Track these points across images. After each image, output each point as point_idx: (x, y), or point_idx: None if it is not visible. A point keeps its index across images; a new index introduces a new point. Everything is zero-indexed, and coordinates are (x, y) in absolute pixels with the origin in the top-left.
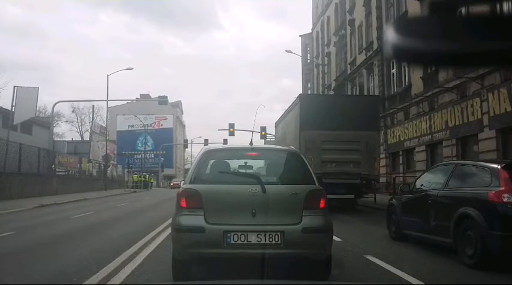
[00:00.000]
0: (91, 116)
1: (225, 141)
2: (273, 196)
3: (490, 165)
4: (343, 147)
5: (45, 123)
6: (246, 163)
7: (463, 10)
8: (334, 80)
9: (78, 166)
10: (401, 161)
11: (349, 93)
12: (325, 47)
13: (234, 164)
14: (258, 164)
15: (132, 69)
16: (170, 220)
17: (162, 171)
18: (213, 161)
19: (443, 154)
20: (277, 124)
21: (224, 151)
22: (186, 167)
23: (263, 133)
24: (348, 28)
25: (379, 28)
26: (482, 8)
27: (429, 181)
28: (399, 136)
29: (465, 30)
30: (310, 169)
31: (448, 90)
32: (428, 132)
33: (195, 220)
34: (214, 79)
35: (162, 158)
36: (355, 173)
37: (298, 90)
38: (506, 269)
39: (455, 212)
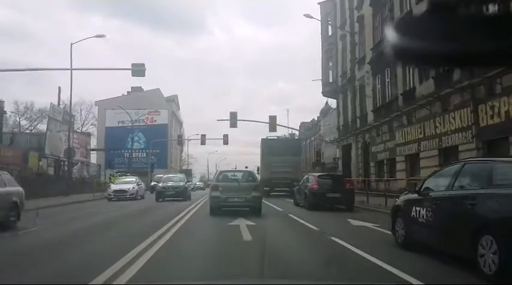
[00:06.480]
0: (82, 114)
1: (225, 136)
2: (242, 186)
3: (315, 174)
4: (283, 164)
5: None
6: (234, 174)
7: (464, 10)
8: (371, 49)
9: (27, 163)
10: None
11: (389, 72)
12: (356, 11)
13: (230, 174)
14: (238, 175)
15: (103, 36)
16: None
17: (152, 172)
18: (222, 174)
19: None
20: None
21: (226, 171)
22: (184, 168)
23: (273, 123)
24: None
25: None
26: (482, 8)
27: (302, 180)
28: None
29: (466, 30)
30: (257, 177)
31: None
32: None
33: (217, 193)
34: (210, 81)
35: (153, 157)
36: (288, 177)
37: (294, 92)
38: (319, 209)
39: (304, 190)
